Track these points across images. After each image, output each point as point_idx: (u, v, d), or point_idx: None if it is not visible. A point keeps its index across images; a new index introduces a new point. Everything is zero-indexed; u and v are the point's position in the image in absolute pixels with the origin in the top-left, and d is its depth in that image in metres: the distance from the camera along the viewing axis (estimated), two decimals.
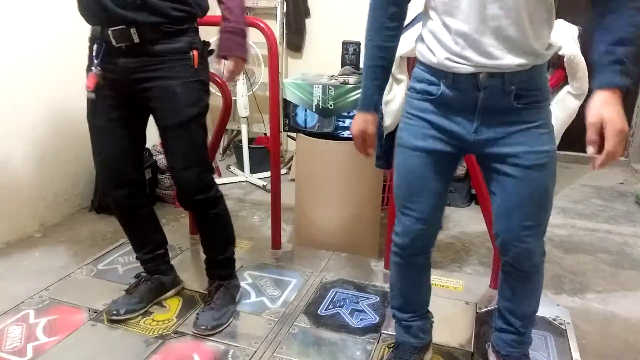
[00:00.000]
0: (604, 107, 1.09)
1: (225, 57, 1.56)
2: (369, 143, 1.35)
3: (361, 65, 2.06)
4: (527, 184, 1.20)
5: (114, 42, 1.46)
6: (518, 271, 1.35)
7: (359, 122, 1.33)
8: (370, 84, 1.31)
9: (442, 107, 1.21)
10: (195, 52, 1.53)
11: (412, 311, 1.51)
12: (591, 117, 1.09)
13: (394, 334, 1.67)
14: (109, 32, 1.45)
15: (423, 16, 1.23)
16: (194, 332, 1.68)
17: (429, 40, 1.19)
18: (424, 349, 1.56)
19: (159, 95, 1.52)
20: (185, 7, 1.48)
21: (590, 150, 1.10)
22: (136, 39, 1.44)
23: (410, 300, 1.51)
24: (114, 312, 1.74)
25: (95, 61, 1.50)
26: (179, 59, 1.51)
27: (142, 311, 1.79)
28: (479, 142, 1.21)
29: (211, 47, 1.60)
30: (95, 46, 1.51)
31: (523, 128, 1.17)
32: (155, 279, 1.85)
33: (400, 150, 1.31)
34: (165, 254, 1.87)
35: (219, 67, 1.62)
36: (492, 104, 1.16)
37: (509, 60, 1.11)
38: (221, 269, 1.82)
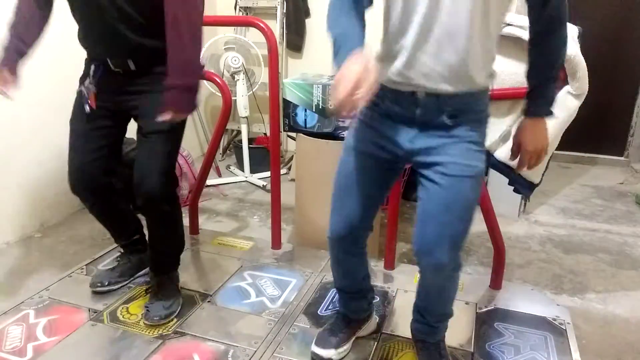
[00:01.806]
0: (527, 132, 1.35)
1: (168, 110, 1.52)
2: (372, 78, 1.02)
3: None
4: (448, 191, 1.25)
5: (112, 67, 1.59)
6: (430, 279, 1.41)
7: (357, 57, 1.03)
8: (355, 33, 1.15)
9: (385, 117, 1.29)
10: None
11: (350, 292, 1.61)
12: (517, 137, 1.38)
13: (394, 333, 1.67)
14: (107, 59, 1.59)
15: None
16: (145, 323, 1.73)
17: (378, 56, 1.26)
18: (363, 321, 1.67)
19: (144, 105, 1.61)
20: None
21: (511, 160, 1.44)
22: (132, 67, 1.58)
23: (347, 283, 1.59)
24: (98, 283, 1.89)
25: (92, 80, 1.63)
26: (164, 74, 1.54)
27: (124, 284, 1.95)
28: (413, 151, 1.28)
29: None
30: (92, 66, 1.62)
31: (455, 141, 1.24)
32: (134, 257, 1.99)
33: (344, 151, 1.39)
34: (141, 237, 1.98)
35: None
36: (429, 119, 1.24)
37: (445, 86, 1.19)
38: (165, 265, 1.84)
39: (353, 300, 1.62)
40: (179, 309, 1.80)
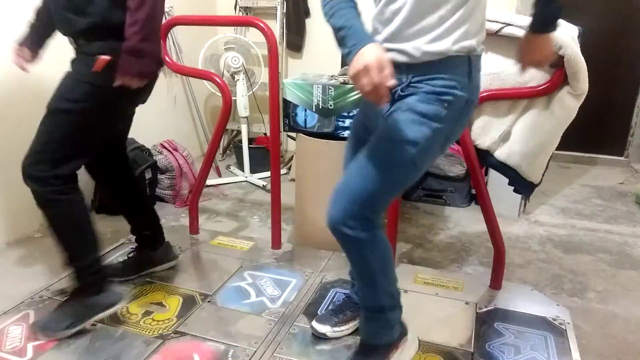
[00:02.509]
0: (531, 45, 1.37)
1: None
2: (389, 70, 1.11)
3: None
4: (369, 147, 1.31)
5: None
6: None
7: (370, 50, 1.12)
8: (357, 21, 1.21)
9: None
10: (102, 58, 1.54)
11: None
12: (522, 51, 1.41)
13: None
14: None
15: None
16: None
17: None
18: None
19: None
20: (91, 20, 1.54)
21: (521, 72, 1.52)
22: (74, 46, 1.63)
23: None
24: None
25: None
26: (85, 59, 1.57)
27: (130, 278, 1.99)
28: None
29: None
30: None
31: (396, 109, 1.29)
32: (142, 253, 2.04)
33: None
34: (153, 234, 2.04)
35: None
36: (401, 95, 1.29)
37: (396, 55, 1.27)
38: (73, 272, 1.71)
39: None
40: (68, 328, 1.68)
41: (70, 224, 1.66)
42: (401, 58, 1.24)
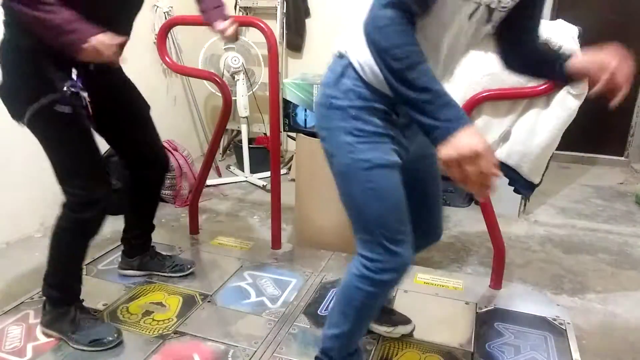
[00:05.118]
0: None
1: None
2: (495, 160, 0.99)
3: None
4: (438, 176, 1.40)
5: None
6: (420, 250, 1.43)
7: (477, 136, 0.96)
8: (443, 87, 1.01)
9: (393, 123, 1.19)
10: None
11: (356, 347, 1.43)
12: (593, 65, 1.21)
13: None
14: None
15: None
16: (172, 276, 1.99)
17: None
18: None
19: (132, 89, 1.79)
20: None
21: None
22: None
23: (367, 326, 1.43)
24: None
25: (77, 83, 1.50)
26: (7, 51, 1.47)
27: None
28: (410, 152, 1.26)
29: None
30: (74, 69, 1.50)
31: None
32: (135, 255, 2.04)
33: (380, 171, 1.17)
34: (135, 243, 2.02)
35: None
36: (408, 120, 1.20)
37: None
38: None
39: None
40: None
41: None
42: None
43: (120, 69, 1.68)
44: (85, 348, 1.59)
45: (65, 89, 1.43)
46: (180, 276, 2.00)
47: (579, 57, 1.20)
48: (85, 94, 1.48)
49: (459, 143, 0.95)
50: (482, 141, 0.96)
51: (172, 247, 2.25)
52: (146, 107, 1.78)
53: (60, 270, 1.63)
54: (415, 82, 0.98)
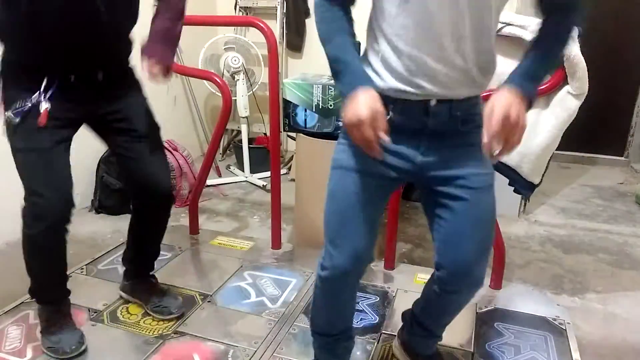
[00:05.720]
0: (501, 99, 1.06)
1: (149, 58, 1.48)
2: (382, 125, 1.04)
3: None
4: (477, 206, 1.18)
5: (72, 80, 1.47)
6: (459, 297, 1.32)
7: (366, 100, 1.03)
8: (354, 57, 1.10)
9: (390, 130, 1.09)
10: None
11: (338, 333, 1.40)
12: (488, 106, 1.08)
13: (394, 334, 1.67)
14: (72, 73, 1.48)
15: (367, 36, 1.16)
16: (161, 319, 1.75)
17: (375, 63, 1.12)
18: None
19: (132, 107, 1.62)
20: None
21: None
22: (100, 78, 1.52)
23: (340, 324, 1.40)
24: None
25: (43, 95, 1.46)
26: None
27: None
28: (426, 165, 1.16)
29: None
30: (45, 81, 1.46)
31: (469, 150, 1.15)
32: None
33: (337, 172, 1.21)
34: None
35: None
36: (440, 128, 1.13)
37: (461, 91, 1.11)
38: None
39: (340, 342, 1.41)
40: None
41: None
42: None
43: (132, 90, 1.59)
44: (44, 351, 1.58)
45: (21, 101, 1.42)
46: (160, 319, 1.76)
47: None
48: (47, 106, 1.42)
49: (347, 110, 1.05)
50: (369, 109, 1.02)
51: (172, 247, 2.25)
52: (153, 133, 1.61)
53: (31, 275, 1.68)
54: (330, 54, 1.11)
